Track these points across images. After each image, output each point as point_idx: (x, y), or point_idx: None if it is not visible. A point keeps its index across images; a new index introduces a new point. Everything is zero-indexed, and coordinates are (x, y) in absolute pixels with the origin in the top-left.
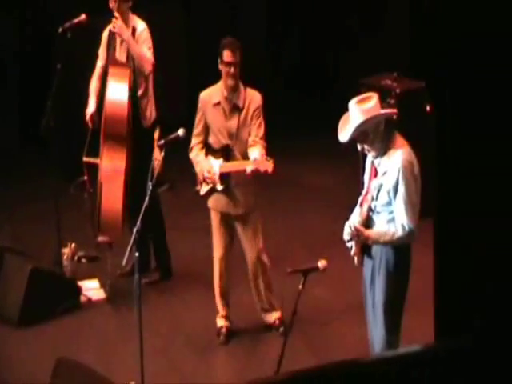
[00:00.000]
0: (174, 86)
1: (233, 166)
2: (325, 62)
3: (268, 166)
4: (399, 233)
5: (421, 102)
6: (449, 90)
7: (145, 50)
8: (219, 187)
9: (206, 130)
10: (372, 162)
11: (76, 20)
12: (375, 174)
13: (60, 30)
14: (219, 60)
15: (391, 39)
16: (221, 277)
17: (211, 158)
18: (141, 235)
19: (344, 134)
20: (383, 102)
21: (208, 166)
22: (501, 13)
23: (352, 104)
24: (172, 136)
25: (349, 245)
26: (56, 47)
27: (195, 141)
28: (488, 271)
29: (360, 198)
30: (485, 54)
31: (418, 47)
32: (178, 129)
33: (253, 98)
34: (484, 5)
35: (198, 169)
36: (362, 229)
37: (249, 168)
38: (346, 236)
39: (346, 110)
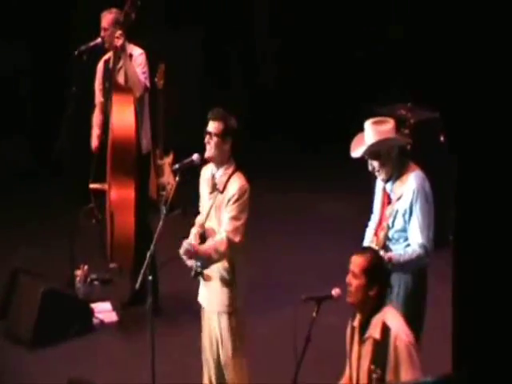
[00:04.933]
0: (188, 111)
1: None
2: (340, 91)
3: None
4: (417, 251)
5: (435, 133)
6: (463, 121)
7: (138, 73)
8: (192, 272)
9: None
10: (384, 189)
11: (92, 43)
12: (388, 201)
13: (76, 52)
14: None
15: (406, 69)
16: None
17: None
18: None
19: (356, 151)
20: (397, 131)
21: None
22: None
23: (368, 124)
24: (186, 161)
25: None
26: (71, 70)
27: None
28: (507, 300)
29: (371, 227)
30: (499, 83)
31: (433, 78)
32: (192, 154)
33: (232, 184)
34: (498, 36)
35: None
36: (383, 252)
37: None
38: None
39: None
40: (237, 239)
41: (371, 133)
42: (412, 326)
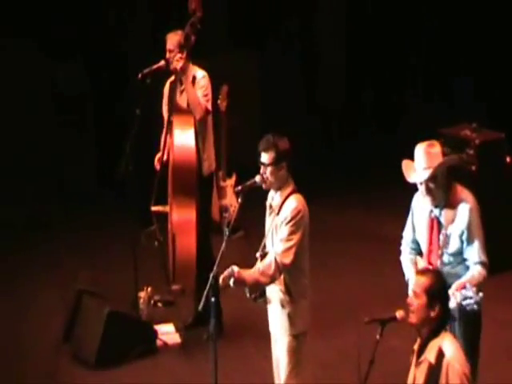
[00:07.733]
0: (251, 133)
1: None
2: (401, 116)
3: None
4: (483, 272)
5: (500, 154)
6: None
7: (199, 96)
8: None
9: None
10: (430, 213)
11: (155, 66)
12: (438, 226)
13: (139, 75)
14: None
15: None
16: None
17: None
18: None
19: (414, 175)
20: (462, 152)
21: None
22: None
23: (420, 148)
24: (249, 182)
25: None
26: (134, 92)
27: None
28: None
29: (406, 252)
30: None
31: (498, 98)
32: (254, 176)
33: (287, 206)
34: None
35: None
36: (459, 282)
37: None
38: (460, 300)
39: None
40: (286, 261)
41: (425, 156)
42: (474, 345)
